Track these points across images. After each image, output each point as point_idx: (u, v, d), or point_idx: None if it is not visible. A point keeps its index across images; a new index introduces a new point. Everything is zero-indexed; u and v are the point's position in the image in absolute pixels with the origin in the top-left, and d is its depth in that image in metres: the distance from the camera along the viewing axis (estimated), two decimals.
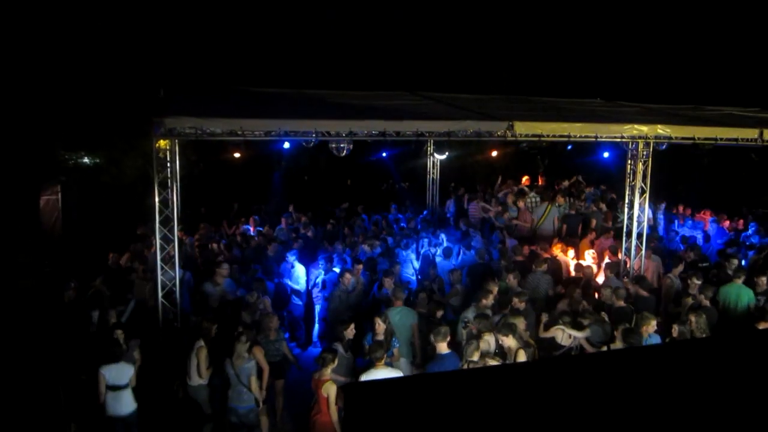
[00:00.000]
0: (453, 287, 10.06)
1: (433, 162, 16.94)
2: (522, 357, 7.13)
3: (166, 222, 8.83)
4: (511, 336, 7.24)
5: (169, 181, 8.83)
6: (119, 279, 10.29)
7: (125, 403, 7.33)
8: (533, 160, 18.13)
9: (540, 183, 17.25)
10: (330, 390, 6.83)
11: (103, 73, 16.48)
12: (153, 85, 11.61)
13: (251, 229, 14.35)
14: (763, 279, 9.65)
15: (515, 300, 8.58)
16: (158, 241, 8.82)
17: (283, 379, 8.56)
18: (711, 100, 14.82)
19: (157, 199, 8.72)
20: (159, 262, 8.85)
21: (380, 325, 7.82)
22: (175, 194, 8.89)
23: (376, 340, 7.41)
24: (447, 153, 16.28)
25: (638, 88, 18.98)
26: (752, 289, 9.40)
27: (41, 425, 7.51)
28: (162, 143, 8.68)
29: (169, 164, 8.86)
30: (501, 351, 7.36)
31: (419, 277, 11.07)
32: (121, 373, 7.30)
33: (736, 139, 10.88)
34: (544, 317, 8.48)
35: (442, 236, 12.57)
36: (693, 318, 7.93)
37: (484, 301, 8.51)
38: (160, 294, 8.87)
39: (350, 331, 7.76)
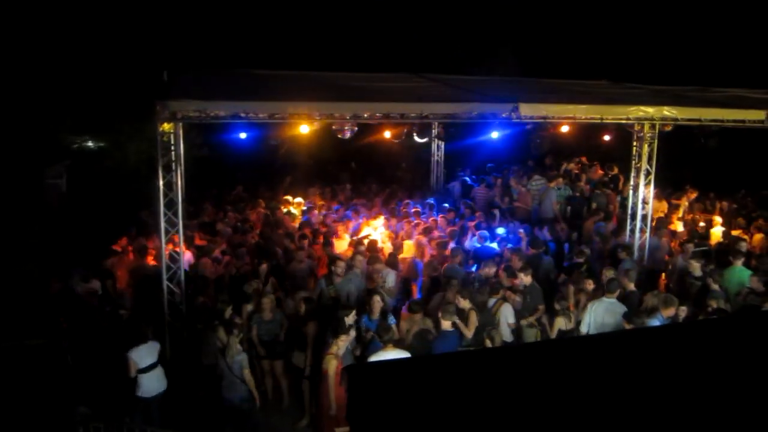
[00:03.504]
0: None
1: (438, 144, 16.87)
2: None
3: (171, 205, 8.84)
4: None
5: (173, 164, 8.83)
6: None
7: (159, 381, 7.52)
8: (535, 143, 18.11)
9: (547, 164, 17.22)
10: (329, 364, 6.82)
11: (107, 57, 16.40)
12: (157, 68, 11.54)
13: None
14: None
15: (521, 275, 8.65)
16: (162, 225, 8.83)
17: (282, 360, 8.47)
18: (718, 82, 14.66)
19: (161, 183, 8.73)
20: (163, 245, 8.88)
21: (377, 304, 7.85)
22: (179, 177, 8.88)
23: (383, 324, 7.41)
24: (451, 135, 16.20)
25: (645, 69, 18.75)
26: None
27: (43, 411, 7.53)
28: (166, 126, 8.65)
29: (173, 147, 8.85)
30: None
31: None
32: (150, 351, 7.47)
33: (743, 121, 10.78)
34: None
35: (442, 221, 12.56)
36: (714, 303, 7.96)
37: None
38: (164, 277, 8.92)
39: (352, 317, 7.72)
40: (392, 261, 10.11)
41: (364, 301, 8.48)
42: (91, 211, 14.11)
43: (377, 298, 8.02)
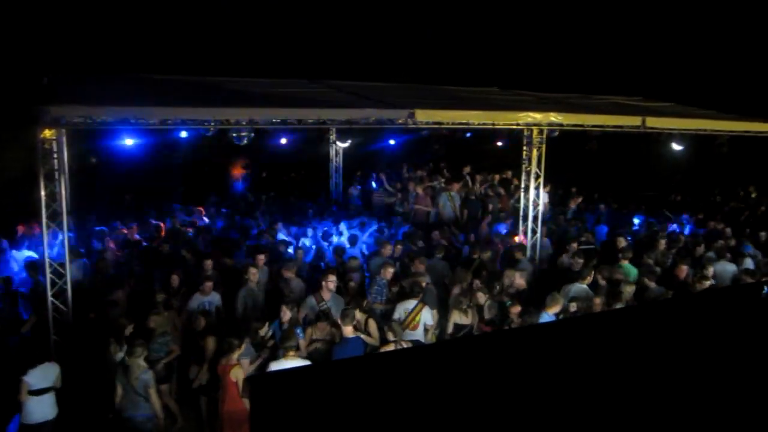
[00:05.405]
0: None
1: (336, 150, 16.92)
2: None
3: (54, 217, 8.33)
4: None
5: (56, 173, 8.32)
6: None
7: (49, 408, 6.92)
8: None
9: (444, 170, 17.66)
10: (239, 374, 6.71)
11: None
12: (35, 72, 10.86)
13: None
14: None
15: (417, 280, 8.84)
16: (45, 237, 8.30)
17: (168, 383, 8.10)
18: (597, 89, 15.62)
19: (43, 193, 8.19)
20: (47, 259, 8.34)
21: (286, 313, 7.75)
22: (63, 187, 8.37)
23: (285, 330, 7.32)
24: (349, 141, 16.30)
25: (532, 77, 19.68)
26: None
27: None
28: (47, 133, 8.14)
29: (56, 155, 8.34)
30: None
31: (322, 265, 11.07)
32: (46, 374, 6.92)
33: (621, 127, 11.52)
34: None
35: (343, 226, 12.59)
36: (597, 300, 8.42)
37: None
38: (49, 293, 8.37)
39: (264, 330, 7.62)
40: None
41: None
42: None
43: (285, 308, 7.87)
